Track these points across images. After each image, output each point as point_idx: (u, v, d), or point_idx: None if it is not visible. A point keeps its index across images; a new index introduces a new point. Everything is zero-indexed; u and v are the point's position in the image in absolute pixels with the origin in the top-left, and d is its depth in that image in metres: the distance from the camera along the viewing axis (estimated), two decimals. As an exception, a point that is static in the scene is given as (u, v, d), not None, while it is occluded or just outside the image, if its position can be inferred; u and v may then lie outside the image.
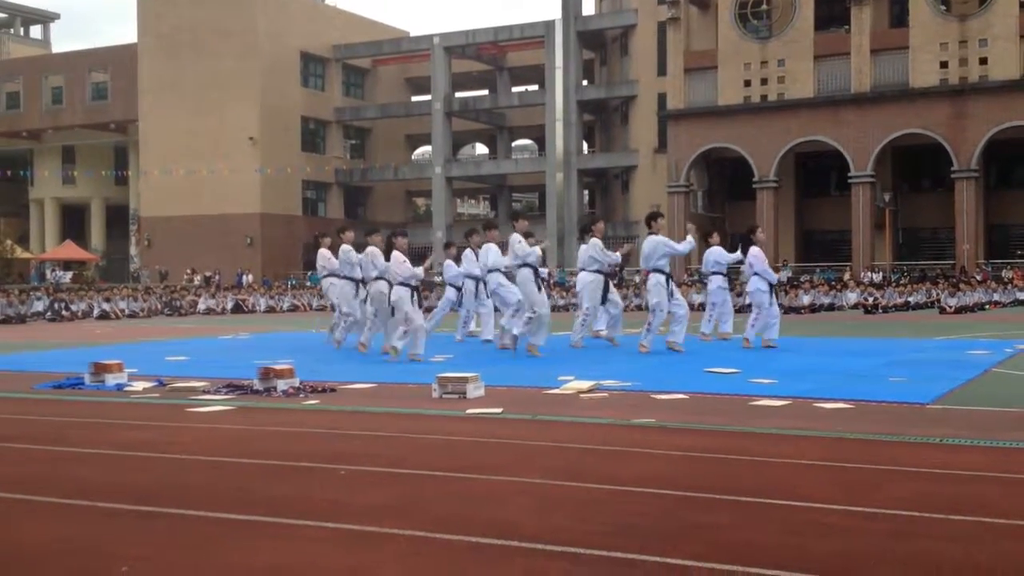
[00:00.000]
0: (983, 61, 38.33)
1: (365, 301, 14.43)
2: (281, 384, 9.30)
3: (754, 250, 14.59)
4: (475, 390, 8.73)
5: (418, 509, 4.74)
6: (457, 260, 16.49)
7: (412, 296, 12.62)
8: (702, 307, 16.35)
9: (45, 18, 76.86)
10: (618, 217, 50.14)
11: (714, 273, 15.71)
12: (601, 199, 56.21)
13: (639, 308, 26.37)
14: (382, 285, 13.29)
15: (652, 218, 13.80)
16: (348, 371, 11.19)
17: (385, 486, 5.29)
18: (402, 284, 12.60)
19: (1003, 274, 34.90)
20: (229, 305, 32.63)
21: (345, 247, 14.96)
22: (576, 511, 4.66)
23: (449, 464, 5.82)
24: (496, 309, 15.07)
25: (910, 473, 5.48)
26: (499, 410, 7.96)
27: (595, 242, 13.93)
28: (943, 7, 39.12)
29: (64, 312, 28.71)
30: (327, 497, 5.03)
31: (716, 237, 16.14)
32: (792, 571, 3.66)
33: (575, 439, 6.64)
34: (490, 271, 14.28)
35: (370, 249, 13.60)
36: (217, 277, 47.29)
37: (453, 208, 55.70)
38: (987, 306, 28.11)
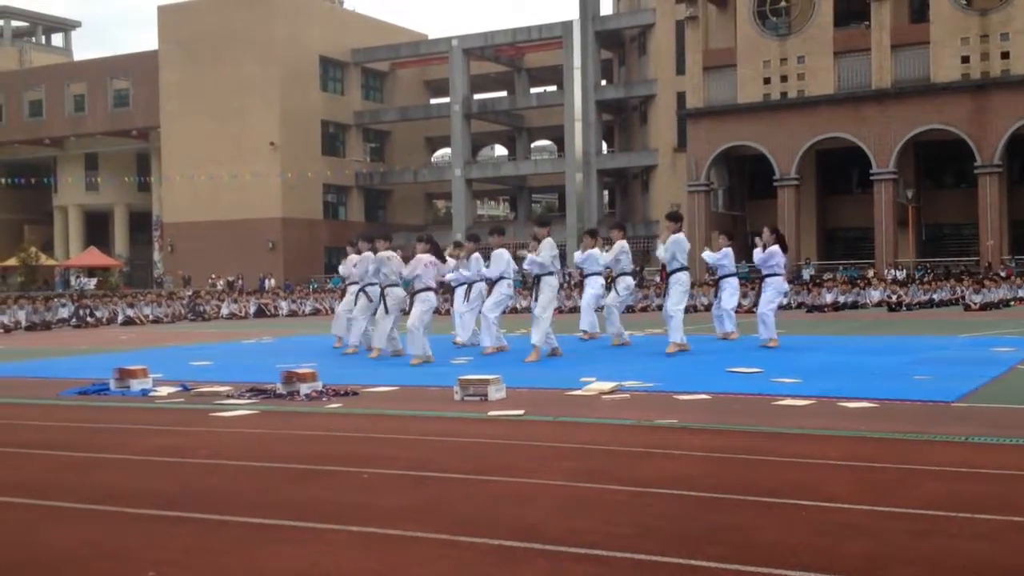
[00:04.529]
0: (1005, 55, 38.04)
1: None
2: (304, 388, 9.34)
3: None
4: (496, 392, 8.73)
5: (441, 512, 4.75)
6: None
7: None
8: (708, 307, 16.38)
9: (66, 26, 77.42)
10: (638, 217, 50.05)
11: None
12: (621, 199, 56.16)
13: (659, 308, 26.26)
14: (398, 291, 13.51)
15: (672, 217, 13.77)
16: (370, 374, 11.22)
17: (408, 489, 5.30)
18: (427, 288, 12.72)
19: (1028, 270, 34.57)
20: (252, 309, 32.77)
21: (362, 255, 14.61)
22: (599, 513, 4.65)
23: (471, 467, 5.83)
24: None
25: (935, 472, 5.44)
26: (521, 412, 7.96)
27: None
28: (964, 1, 38.83)
29: (89, 318, 28.92)
30: (350, 500, 5.05)
31: (723, 239, 16.13)
32: (817, 572, 3.65)
33: (597, 441, 6.63)
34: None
35: (383, 254, 13.60)
36: (240, 282, 47.54)
37: (473, 210, 55.79)
38: (1012, 302, 27.86)
